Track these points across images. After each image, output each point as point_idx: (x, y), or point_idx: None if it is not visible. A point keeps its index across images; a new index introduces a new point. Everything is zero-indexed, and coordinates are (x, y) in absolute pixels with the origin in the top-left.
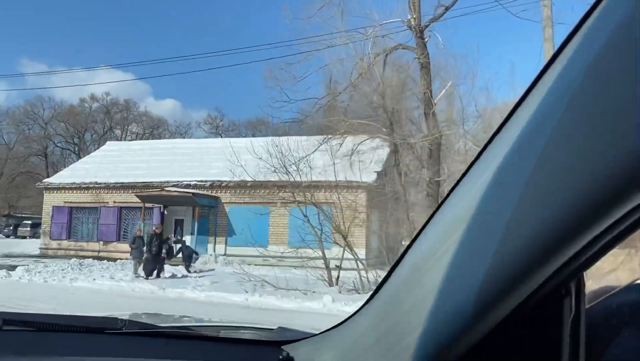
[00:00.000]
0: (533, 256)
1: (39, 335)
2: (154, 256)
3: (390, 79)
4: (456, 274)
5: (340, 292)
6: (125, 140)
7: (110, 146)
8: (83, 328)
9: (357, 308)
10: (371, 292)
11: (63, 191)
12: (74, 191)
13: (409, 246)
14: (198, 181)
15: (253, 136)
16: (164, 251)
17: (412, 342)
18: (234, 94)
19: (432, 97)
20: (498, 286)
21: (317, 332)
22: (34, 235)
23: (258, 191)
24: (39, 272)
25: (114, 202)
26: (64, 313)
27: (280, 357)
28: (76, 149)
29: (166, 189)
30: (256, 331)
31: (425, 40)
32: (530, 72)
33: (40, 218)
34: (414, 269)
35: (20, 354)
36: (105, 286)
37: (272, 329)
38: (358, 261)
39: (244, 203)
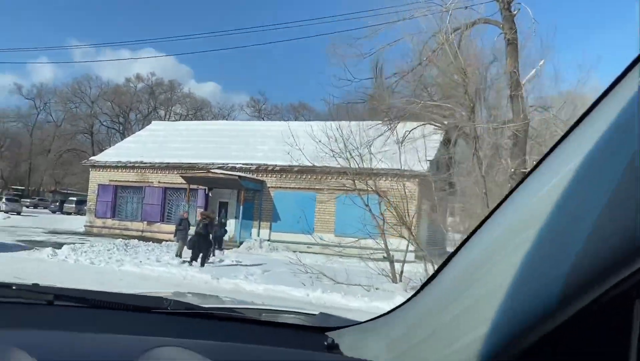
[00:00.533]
0: (618, 257)
1: (88, 311)
2: (201, 240)
3: (471, 56)
4: (529, 272)
5: (406, 290)
6: (168, 121)
7: (155, 125)
8: (131, 306)
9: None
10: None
11: (109, 170)
12: (120, 170)
13: (466, 240)
14: (243, 164)
15: (295, 119)
16: (211, 235)
17: (476, 337)
18: (277, 77)
19: (519, 78)
20: (574, 284)
21: (362, 320)
22: (79, 212)
23: (304, 176)
24: (85, 252)
25: (159, 182)
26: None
27: (326, 343)
28: (121, 128)
29: (212, 171)
30: (298, 315)
31: (514, 13)
32: (626, 55)
33: (85, 195)
34: (477, 264)
35: (69, 329)
36: (154, 272)
37: (314, 314)
38: (424, 257)
39: (289, 187)
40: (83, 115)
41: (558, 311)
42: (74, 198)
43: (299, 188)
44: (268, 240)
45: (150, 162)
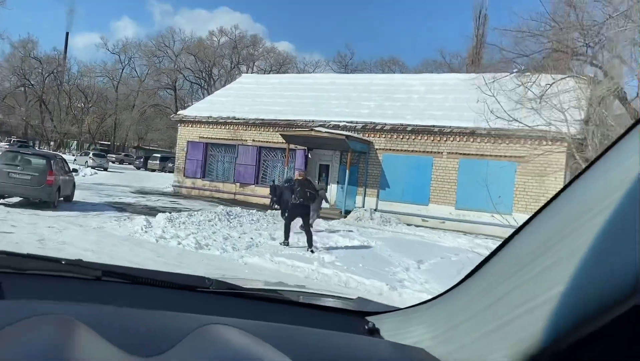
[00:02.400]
0: None
1: (134, 287)
2: (302, 211)
3: None
4: (591, 262)
5: None
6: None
7: (246, 78)
8: (175, 284)
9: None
10: None
11: (198, 125)
12: (210, 126)
13: (521, 227)
14: (348, 122)
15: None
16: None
17: (529, 326)
18: (363, 30)
19: None
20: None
21: (402, 307)
22: (163, 169)
23: (419, 138)
24: (183, 223)
25: (253, 140)
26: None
27: (367, 327)
28: (204, 84)
29: (315, 129)
30: (337, 299)
31: None
32: None
33: (168, 152)
34: (535, 247)
35: (116, 303)
36: (282, 266)
37: (352, 298)
38: None
39: (401, 150)
40: (166, 69)
41: (614, 306)
42: (158, 155)
43: (412, 151)
44: (375, 210)
45: (243, 118)
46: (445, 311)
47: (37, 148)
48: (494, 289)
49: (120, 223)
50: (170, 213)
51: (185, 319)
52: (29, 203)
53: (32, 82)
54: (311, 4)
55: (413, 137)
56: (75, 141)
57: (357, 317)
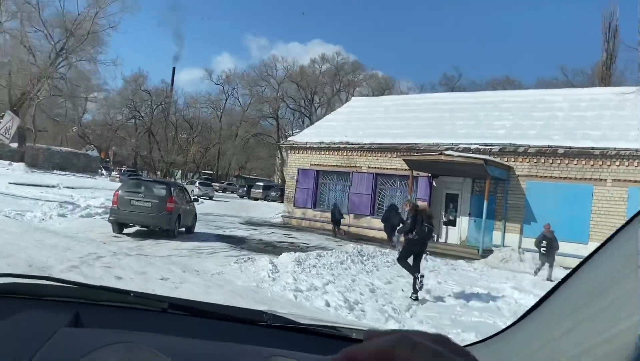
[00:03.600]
0: None
1: (198, 320)
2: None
3: None
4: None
5: None
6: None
7: (356, 101)
8: (236, 318)
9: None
10: None
11: (309, 152)
12: (322, 152)
13: (591, 255)
14: (480, 145)
15: None
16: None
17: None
18: (471, 51)
19: None
20: None
21: (476, 340)
22: (266, 198)
23: (574, 162)
24: (314, 266)
25: (369, 167)
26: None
27: None
28: (305, 111)
29: (445, 153)
30: None
31: None
32: None
33: (269, 181)
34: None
35: (181, 334)
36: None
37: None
38: None
39: (550, 177)
40: (269, 98)
41: None
42: (261, 183)
43: (565, 178)
44: (520, 248)
45: (357, 143)
46: (518, 342)
47: (147, 177)
48: (562, 321)
49: (241, 266)
50: (294, 252)
51: (247, 351)
52: (149, 233)
53: (142, 114)
54: (411, 29)
55: (566, 161)
56: (180, 171)
57: None
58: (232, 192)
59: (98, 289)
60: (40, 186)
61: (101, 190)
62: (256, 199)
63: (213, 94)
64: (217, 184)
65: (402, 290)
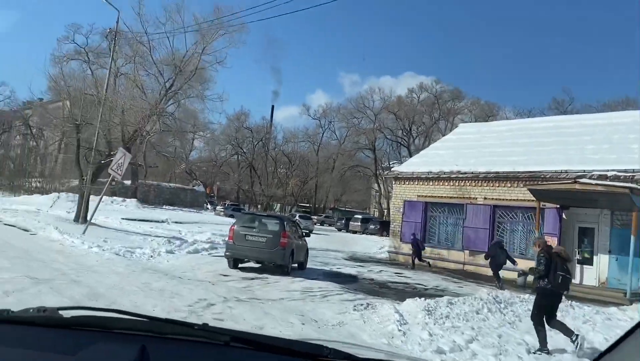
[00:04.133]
0: None
1: (260, 354)
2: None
3: None
4: None
5: None
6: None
7: (465, 128)
8: (297, 352)
9: None
10: None
11: (416, 182)
12: (431, 183)
13: None
14: (619, 171)
15: None
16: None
17: None
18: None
19: None
20: None
21: None
22: (365, 231)
23: None
24: (446, 316)
25: (485, 198)
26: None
27: None
28: (404, 141)
29: (581, 181)
30: None
31: None
32: None
33: (366, 213)
34: None
35: None
36: None
37: None
38: None
39: None
40: (366, 130)
41: None
42: (359, 216)
43: None
44: None
45: (471, 172)
46: None
47: (248, 210)
48: None
49: (362, 315)
50: (419, 298)
51: None
52: (262, 268)
53: (244, 150)
54: (514, 55)
55: None
56: (279, 204)
57: None
58: (330, 225)
59: (164, 322)
60: (151, 221)
61: (207, 225)
62: (355, 232)
63: (310, 129)
64: (315, 217)
65: (574, 347)
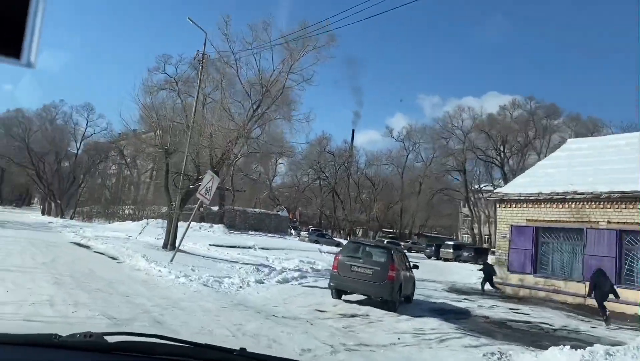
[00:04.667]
0: None
1: None
2: None
3: None
4: None
5: None
6: (544, 152)
7: (575, 143)
8: None
9: None
10: None
11: (524, 205)
12: (542, 205)
13: None
14: None
15: None
16: None
17: None
18: None
19: None
20: None
21: None
22: (457, 258)
23: None
24: None
25: (608, 222)
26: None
27: None
28: (497, 161)
29: None
30: None
31: None
32: None
33: (454, 239)
34: None
35: None
36: None
37: None
38: None
39: None
40: (454, 150)
41: None
42: (451, 242)
43: None
44: None
45: (590, 193)
46: None
47: (332, 236)
48: None
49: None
50: (567, 347)
51: None
52: (363, 301)
53: (327, 175)
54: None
55: None
56: (361, 229)
57: None
58: (418, 251)
59: (204, 348)
60: (237, 247)
61: (294, 251)
62: (446, 259)
63: (394, 151)
64: (402, 243)
65: None
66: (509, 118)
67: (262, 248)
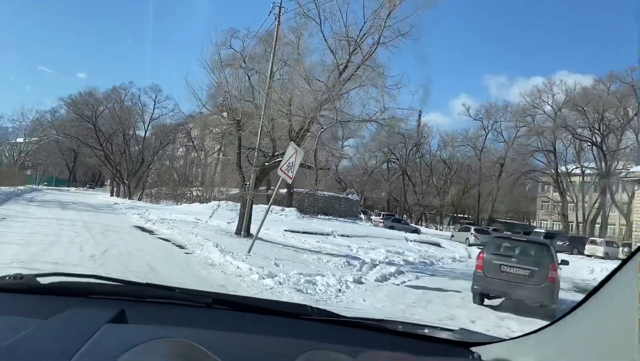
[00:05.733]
0: None
1: (243, 315)
2: None
3: None
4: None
5: None
6: None
7: None
8: (280, 312)
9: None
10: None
11: None
12: None
13: (628, 258)
14: None
15: None
16: None
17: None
18: None
19: None
20: None
21: (506, 337)
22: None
23: None
24: None
25: None
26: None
27: (471, 357)
28: (592, 140)
29: None
30: (439, 330)
31: None
32: None
33: (533, 226)
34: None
35: (226, 329)
36: None
37: (454, 330)
38: None
39: None
40: (544, 129)
41: None
42: (541, 230)
43: None
44: None
45: None
46: (553, 342)
47: (407, 221)
48: (603, 321)
49: None
50: None
51: (290, 344)
52: (498, 305)
53: (397, 157)
54: None
55: None
56: (430, 214)
57: (461, 348)
58: None
59: (143, 286)
60: (315, 233)
61: (376, 239)
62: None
63: (471, 131)
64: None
65: None
66: (606, 93)
67: (342, 235)
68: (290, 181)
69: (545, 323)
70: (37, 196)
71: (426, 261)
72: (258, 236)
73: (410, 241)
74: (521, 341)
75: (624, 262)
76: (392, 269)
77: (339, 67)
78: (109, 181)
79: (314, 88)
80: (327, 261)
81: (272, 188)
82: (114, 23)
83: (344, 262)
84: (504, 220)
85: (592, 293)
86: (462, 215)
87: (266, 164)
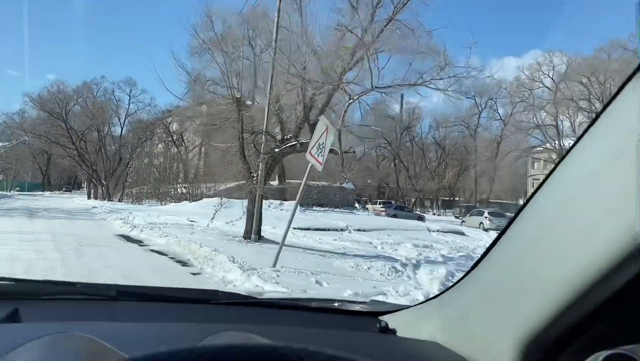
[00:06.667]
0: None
1: (150, 304)
2: None
3: None
4: (588, 234)
5: None
6: None
7: None
8: (189, 299)
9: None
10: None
11: None
12: None
13: (515, 216)
14: None
15: None
16: None
17: (531, 312)
18: None
19: None
20: (598, 270)
21: (412, 304)
22: None
23: None
24: None
25: None
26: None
27: (379, 326)
28: (593, 111)
29: None
30: (350, 303)
31: None
32: None
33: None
34: (528, 241)
35: (132, 321)
36: None
37: (366, 302)
38: None
39: None
40: (545, 102)
41: (591, 293)
42: None
43: None
44: None
45: None
46: (454, 304)
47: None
48: (498, 279)
49: None
50: None
51: (199, 328)
52: None
53: (388, 140)
54: None
55: None
56: (428, 200)
57: (370, 317)
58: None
59: (40, 284)
60: (328, 230)
61: (395, 231)
62: None
63: (463, 110)
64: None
65: None
66: (607, 62)
67: (357, 230)
68: (320, 168)
69: None
70: (4, 204)
71: (463, 254)
72: (269, 239)
73: (433, 231)
74: (425, 306)
75: (514, 217)
76: (442, 270)
77: (375, 7)
78: (85, 182)
79: (342, 40)
80: (368, 268)
81: (286, 181)
82: (77, 17)
83: (389, 268)
84: (494, 200)
85: (485, 252)
86: (457, 198)
87: (276, 150)
